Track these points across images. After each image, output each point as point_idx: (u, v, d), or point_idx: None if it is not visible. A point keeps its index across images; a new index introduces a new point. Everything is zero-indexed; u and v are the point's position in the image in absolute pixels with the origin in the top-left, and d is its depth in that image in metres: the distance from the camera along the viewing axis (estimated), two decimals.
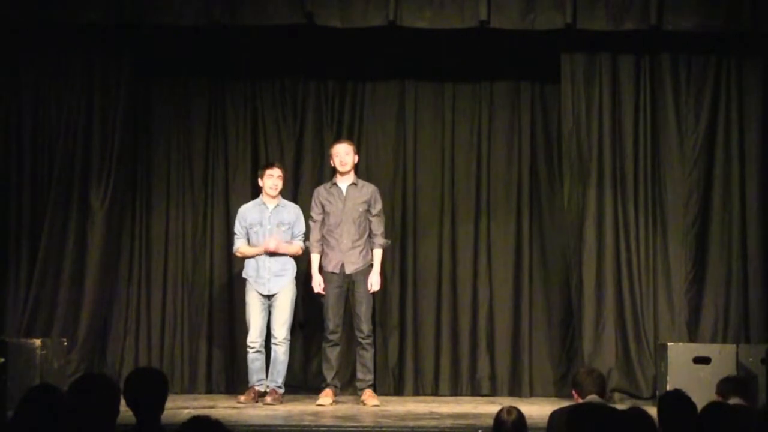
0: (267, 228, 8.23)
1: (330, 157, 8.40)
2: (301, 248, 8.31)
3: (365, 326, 8.21)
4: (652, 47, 8.70)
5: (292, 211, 8.35)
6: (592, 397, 5.33)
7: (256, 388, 8.16)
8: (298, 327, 8.86)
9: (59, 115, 8.65)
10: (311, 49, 9.09)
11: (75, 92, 8.65)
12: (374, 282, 8.21)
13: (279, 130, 9.27)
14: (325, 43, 8.95)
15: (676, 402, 4.75)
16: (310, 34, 8.66)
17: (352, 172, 8.33)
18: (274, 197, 8.29)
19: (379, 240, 8.27)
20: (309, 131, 9.27)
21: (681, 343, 8.21)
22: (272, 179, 8.27)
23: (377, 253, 8.25)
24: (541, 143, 9.26)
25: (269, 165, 8.44)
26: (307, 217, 8.34)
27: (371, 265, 8.24)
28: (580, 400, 5.32)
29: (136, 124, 9.07)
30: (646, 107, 8.74)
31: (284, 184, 8.48)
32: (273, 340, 8.17)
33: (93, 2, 8.21)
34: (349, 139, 8.90)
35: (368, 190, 8.32)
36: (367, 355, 8.23)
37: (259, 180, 8.37)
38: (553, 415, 5.30)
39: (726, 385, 5.95)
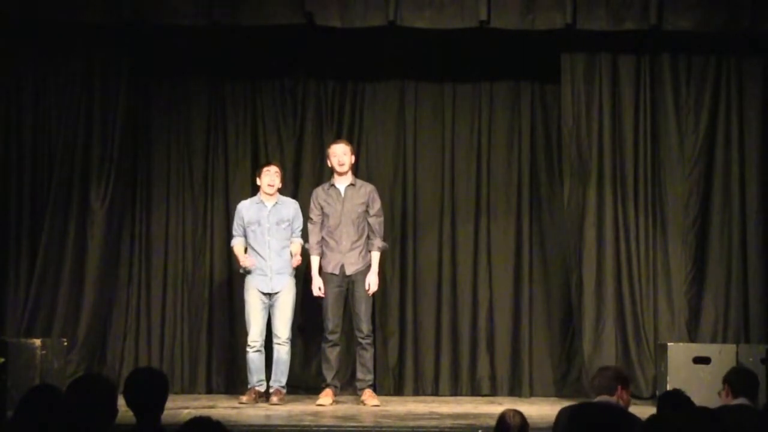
0: (266, 227, 8.22)
1: (327, 157, 8.40)
2: (301, 244, 8.31)
3: (365, 326, 8.21)
4: (652, 47, 8.71)
5: (290, 206, 8.34)
6: (602, 398, 5.31)
7: (257, 388, 8.16)
8: (297, 329, 8.86)
9: (59, 115, 8.65)
10: (311, 49, 9.09)
11: (75, 92, 8.65)
12: (372, 282, 8.21)
13: (279, 130, 9.27)
14: (325, 43, 8.95)
15: (675, 402, 4.75)
16: (310, 34, 8.66)
17: (350, 173, 8.33)
18: (271, 195, 8.29)
19: (378, 243, 8.26)
20: (309, 131, 9.27)
21: (681, 343, 8.22)
22: (269, 175, 8.26)
23: (375, 256, 8.25)
24: (541, 143, 9.27)
25: (266, 163, 8.46)
26: (306, 218, 8.35)
27: (371, 266, 8.24)
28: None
29: (136, 124, 9.07)
30: (646, 107, 8.74)
31: (283, 184, 8.49)
32: (276, 340, 8.16)
33: (93, 2, 8.21)
34: (348, 139, 8.91)
35: (366, 190, 8.31)
36: (366, 355, 8.23)
37: (257, 179, 8.37)
38: (561, 414, 5.29)
39: (739, 381, 5.87)
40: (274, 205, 8.28)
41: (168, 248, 9.15)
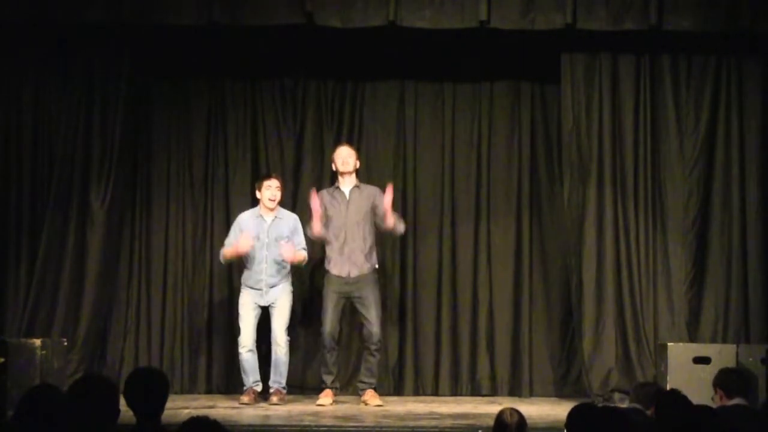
0: (265, 242, 8.19)
1: (332, 161, 8.39)
2: (305, 258, 8.28)
3: (375, 330, 8.13)
4: (652, 47, 8.71)
5: (290, 222, 8.30)
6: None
7: (254, 388, 8.16)
8: (299, 330, 8.86)
9: (59, 115, 8.65)
10: (311, 49, 9.09)
11: (75, 92, 8.64)
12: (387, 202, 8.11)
13: (279, 130, 9.27)
14: (325, 43, 8.95)
15: (673, 402, 4.75)
16: (310, 34, 8.66)
17: (354, 175, 8.31)
18: (272, 209, 8.27)
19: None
20: (309, 131, 9.27)
21: (681, 343, 8.21)
22: (270, 190, 8.25)
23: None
24: (541, 143, 9.27)
25: (267, 176, 8.41)
26: (304, 219, 8.34)
27: (376, 269, 8.22)
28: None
29: (136, 124, 9.07)
30: (646, 107, 8.73)
31: (283, 193, 8.44)
32: (274, 342, 8.17)
33: (93, 2, 8.20)
34: (349, 139, 8.98)
35: (371, 191, 8.29)
36: (373, 361, 8.19)
37: (257, 192, 8.35)
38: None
39: (730, 382, 5.87)
40: (273, 220, 8.26)
41: (168, 248, 9.15)
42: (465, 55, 9.16)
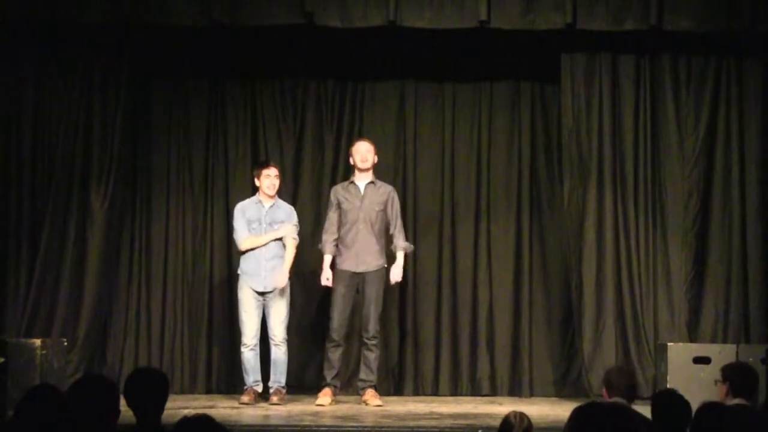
0: (263, 227, 8.24)
1: (350, 155, 8.36)
2: (294, 239, 8.24)
3: (372, 326, 8.16)
4: (652, 47, 8.71)
5: (285, 209, 8.35)
6: (616, 400, 5.27)
7: (254, 388, 8.16)
8: (300, 329, 8.85)
9: (59, 115, 8.65)
10: (311, 49, 9.09)
11: (75, 92, 8.64)
12: (395, 274, 8.17)
13: (279, 130, 9.28)
14: (325, 43, 8.95)
15: (669, 401, 4.74)
16: (310, 34, 8.66)
17: (371, 171, 8.30)
18: (271, 197, 8.29)
19: (402, 243, 8.22)
20: (309, 131, 9.27)
21: (681, 343, 8.22)
22: (270, 179, 8.27)
23: (400, 255, 8.22)
24: (541, 143, 9.27)
25: (265, 165, 8.43)
26: (304, 218, 8.34)
27: (384, 267, 8.21)
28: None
29: (136, 124, 9.07)
30: (646, 107, 8.74)
31: (282, 183, 8.48)
32: (272, 341, 8.17)
33: (93, 2, 8.21)
34: (348, 139, 8.97)
35: (385, 190, 8.30)
36: (371, 356, 8.20)
37: (256, 180, 8.37)
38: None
39: (741, 378, 5.82)
40: (271, 207, 8.28)
41: (168, 248, 9.15)
42: (465, 55, 9.16)
